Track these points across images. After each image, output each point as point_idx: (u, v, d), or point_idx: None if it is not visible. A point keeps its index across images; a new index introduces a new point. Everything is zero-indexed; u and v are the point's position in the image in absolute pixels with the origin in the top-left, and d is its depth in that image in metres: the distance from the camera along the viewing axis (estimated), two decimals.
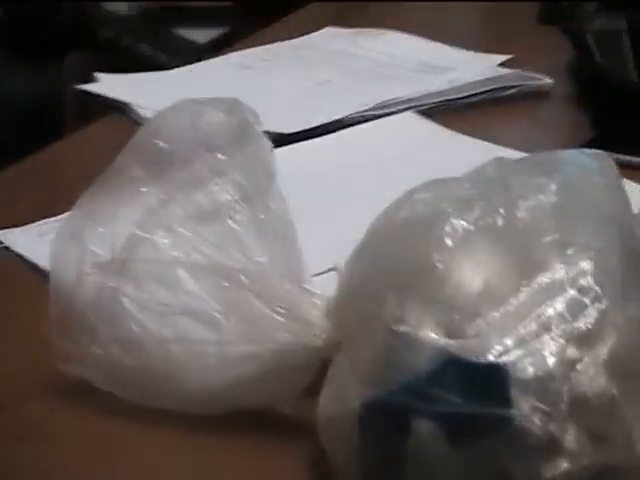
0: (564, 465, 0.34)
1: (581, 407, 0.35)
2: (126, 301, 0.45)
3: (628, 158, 0.65)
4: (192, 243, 0.46)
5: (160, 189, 0.47)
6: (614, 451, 0.34)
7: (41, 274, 0.55)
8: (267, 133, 0.47)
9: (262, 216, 0.45)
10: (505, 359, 0.35)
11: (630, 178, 0.54)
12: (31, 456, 0.44)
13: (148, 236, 0.46)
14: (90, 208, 0.47)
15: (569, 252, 0.38)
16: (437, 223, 0.39)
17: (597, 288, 0.37)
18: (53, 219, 0.63)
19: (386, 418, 0.36)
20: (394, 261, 0.39)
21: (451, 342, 0.35)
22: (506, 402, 0.34)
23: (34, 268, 0.57)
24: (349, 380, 0.38)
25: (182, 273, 0.45)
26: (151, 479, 0.42)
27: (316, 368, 0.42)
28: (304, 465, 0.41)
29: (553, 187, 0.40)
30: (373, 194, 0.48)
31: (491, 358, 0.35)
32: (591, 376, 0.35)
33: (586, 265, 0.37)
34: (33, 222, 0.63)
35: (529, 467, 0.34)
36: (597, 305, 0.36)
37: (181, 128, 0.46)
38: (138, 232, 0.46)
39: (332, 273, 0.43)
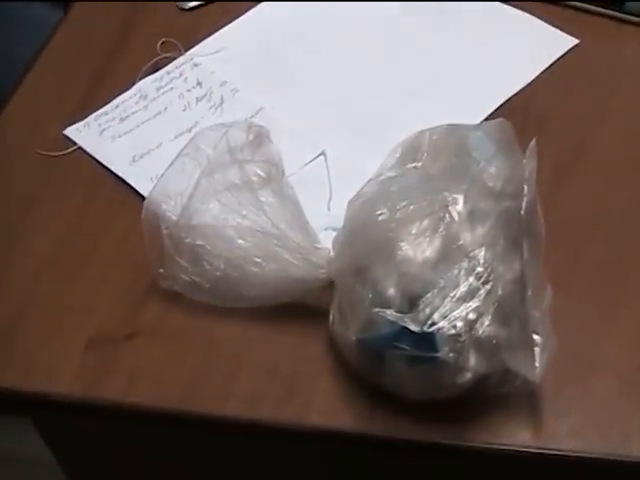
0: (468, 375, 0.64)
1: (478, 345, 0.63)
2: (198, 249, 0.71)
3: None
4: (234, 209, 0.70)
5: (206, 174, 0.70)
6: (495, 365, 0.64)
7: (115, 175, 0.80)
8: None
9: (279, 196, 0.70)
10: (434, 328, 0.63)
11: None
12: (139, 351, 0.71)
13: (204, 206, 0.70)
14: (164, 186, 0.71)
15: (469, 249, 0.64)
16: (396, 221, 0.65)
17: (486, 274, 0.63)
18: (105, 109, 0.85)
19: (372, 350, 0.65)
20: (370, 247, 0.65)
21: (403, 316, 0.63)
22: (435, 349, 0.63)
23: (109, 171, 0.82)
24: (349, 316, 0.66)
25: (232, 232, 0.70)
26: (231, 360, 0.70)
27: (323, 287, 0.70)
28: (326, 344, 0.71)
29: (461, 201, 0.64)
30: None
31: (425, 328, 0.63)
32: (484, 328, 0.63)
33: (480, 258, 0.64)
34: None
35: (449, 377, 0.64)
36: (486, 287, 0.63)
37: (216, 140, 0.69)
38: (196, 203, 0.70)
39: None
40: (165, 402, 0.69)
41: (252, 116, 0.85)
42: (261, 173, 0.69)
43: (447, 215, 0.64)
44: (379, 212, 0.65)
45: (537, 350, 0.64)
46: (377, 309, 0.63)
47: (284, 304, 0.71)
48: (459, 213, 0.64)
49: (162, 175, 0.70)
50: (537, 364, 0.64)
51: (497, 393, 0.65)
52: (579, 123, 0.84)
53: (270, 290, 0.70)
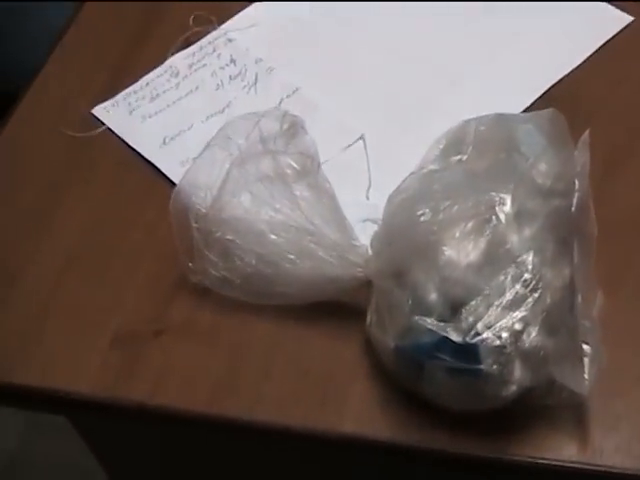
0: (512, 387, 0.60)
1: (524, 357, 0.60)
2: (229, 243, 0.68)
3: None
4: (266, 202, 0.67)
5: (237, 164, 0.67)
6: (542, 377, 0.60)
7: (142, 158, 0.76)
8: None
9: (314, 190, 0.66)
10: (477, 338, 0.59)
11: None
12: (166, 350, 0.68)
13: (235, 199, 0.67)
14: (193, 177, 0.67)
15: (517, 254, 0.60)
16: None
17: (534, 281, 0.59)
18: (135, 87, 0.81)
19: (410, 359, 0.62)
20: (410, 249, 0.62)
21: (445, 326, 0.60)
22: (477, 361, 0.59)
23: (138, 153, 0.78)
24: (387, 320, 0.63)
25: (264, 227, 0.67)
26: (261, 361, 0.67)
27: (359, 286, 0.66)
28: (361, 345, 0.67)
29: (508, 202, 0.60)
30: None
31: (468, 339, 0.59)
32: (530, 339, 0.59)
33: (528, 264, 0.60)
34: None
35: (492, 390, 0.60)
36: (534, 295, 0.59)
37: (248, 130, 0.65)
38: (227, 195, 0.67)
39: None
40: (192, 405, 0.66)
41: (288, 97, 0.81)
42: (295, 165, 0.65)
43: (494, 217, 0.60)
44: (420, 212, 0.61)
45: (586, 361, 0.60)
46: (417, 317, 0.60)
47: (318, 302, 0.68)
48: (506, 214, 0.60)
49: (191, 165, 0.66)
50: (586, 376, 0.60)
51: (541, 405, 0.62)
52: (633, 110, 0.79)
53: (303, 288, 0.67)
